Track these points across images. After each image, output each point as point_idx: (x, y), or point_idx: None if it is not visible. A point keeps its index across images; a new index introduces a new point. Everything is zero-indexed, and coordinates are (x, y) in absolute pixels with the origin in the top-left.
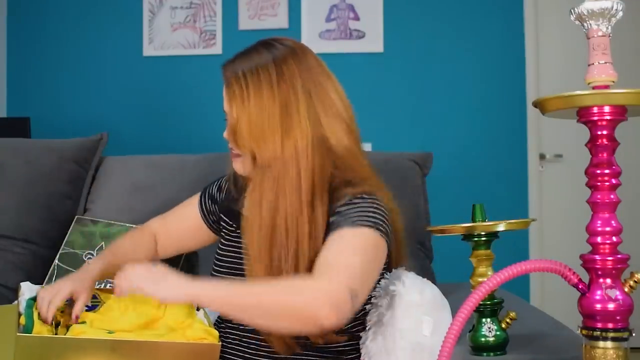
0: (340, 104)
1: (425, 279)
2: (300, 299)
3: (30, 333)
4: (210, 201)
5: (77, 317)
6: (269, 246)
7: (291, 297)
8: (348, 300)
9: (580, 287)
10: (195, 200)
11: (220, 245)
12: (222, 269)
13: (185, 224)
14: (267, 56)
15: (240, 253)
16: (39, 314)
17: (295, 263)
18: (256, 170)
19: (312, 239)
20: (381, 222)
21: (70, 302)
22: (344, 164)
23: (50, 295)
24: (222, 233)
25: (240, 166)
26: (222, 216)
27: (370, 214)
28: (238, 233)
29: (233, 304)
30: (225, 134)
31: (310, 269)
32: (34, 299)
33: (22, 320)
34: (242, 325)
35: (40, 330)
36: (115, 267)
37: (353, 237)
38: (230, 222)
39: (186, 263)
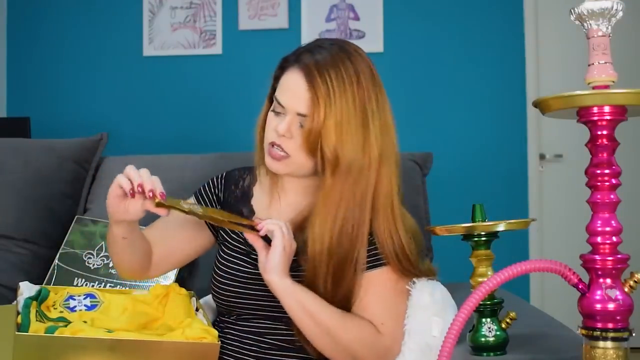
0: (392, 124)
1: (435, 281)
2: (368, 354)
3: (27, 332)
4: (206, 198)
5: (162, 195)
6: (334, 247)
7: (362, 348)
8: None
9: (580, 287)
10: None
11: (224, 247)
12: (226, 273)
13: (182, 230)
14: (344, 56)
15: (245, 256)
16: (36, 312)
17: (353, 269)
18: (334, 175)
19: (363, 248)
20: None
21: None
22: (390, 192)
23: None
24: (224, 235)
25: (283, 166)
26: None
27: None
28: (243, 238)
29: (314, 320)
30: (283, 130)
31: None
32: (33, 298)
33: (19, 319)
34: (242, 325)
35: (37, 329)
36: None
37: (397, 281)
38: None
39: (187, 266)
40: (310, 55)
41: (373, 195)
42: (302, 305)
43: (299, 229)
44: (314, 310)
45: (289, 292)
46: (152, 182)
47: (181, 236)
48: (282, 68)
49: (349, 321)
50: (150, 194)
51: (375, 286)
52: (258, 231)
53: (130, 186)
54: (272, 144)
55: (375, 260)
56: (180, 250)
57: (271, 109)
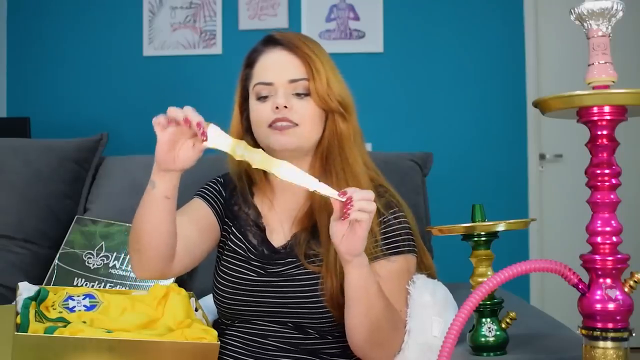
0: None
1: (436, 280)
2: (396, 334)
3: (26, 332)
4: (212, 195)
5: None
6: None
7: (393, 327)
8: None
9: (580, 287)
10: (197, 204)
11: (224, 256)
12: (229, 282)
13: (197, 227)
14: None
15: (245, 263)
16: (35, 312)
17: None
18: (346, 120)
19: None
20: (414, 242)
21: None
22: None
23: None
24: (225, 239)
25: (292, 138)
26: (227, 220)
27: (410, 235)
28: (246, 244)
29: (368, 294)
30: (284, 102)
31: None
32: (32, 298)
33: (18, 319)
34: (244, 327)
35: (36, 329)
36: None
37: (407, 271)
38: (235, 231)
39: None
40: (274, 37)
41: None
42: (367, 284)
43: (303, 228)
44: (373, 291)
45: (365, 270)
46: (199, 117)
47: (196, 228)
48: (252, 59)
49: (388, 302)
50: (199, 128)
51: (393, 269)
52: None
53: (183, 116)
54: (274, 121)
55: (395, 247)
56: (197, 245)
57: (255, 98)
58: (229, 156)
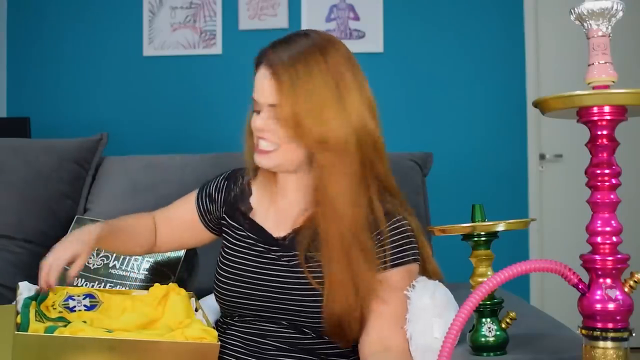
0: (370, 99)
1: (436, 282)
2: None
3: (26, 332)
4: (207, 199)
5: (72, 279)
6: (351, 227)
7: None
8: None
9: (580, 287)
10: (192, 197)
11: (225, 248)
12: (229, 273)
13: (182, 220)
14: (308, 42)
15: (248, 254)
16: (35, 311)
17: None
18: (325, 153)
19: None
20: (417, 252)
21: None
22: (379, 162)
23: (51, 260)
24: (226, 235)
25: (266, 160)
26: (225, 216)
27: (413, 245)
28: (246, 234)
29: None
30: (260, 124)
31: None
32: (32, 298)
33: (19, 319)
34: (244, 326)
35: (36, 328)
36: (111, 239)
37: (407, 280)
38: (232, 222)
39: (185, 263)
40: (272, 49)
41: (363, 169)
42: None
43: (307, 227)
44: None
45: None
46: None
47: (179, 223)
48: (255, 69)
49: None
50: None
51: (393, 283)
52: None
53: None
54: (257, 139)
55: (401, 258)
56: (184, 238)
57: (252, 108)
58: (245, 151)
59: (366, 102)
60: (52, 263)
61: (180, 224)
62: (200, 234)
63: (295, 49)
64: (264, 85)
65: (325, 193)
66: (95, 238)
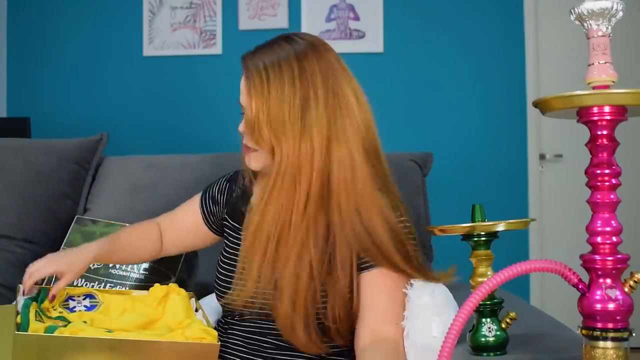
0: (356, 106)
1: None
2: None
3: (26, 332)
4: (211, 201)
5: (53, 297)
6: (275, 239)
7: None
8: None
9: (580, 287)
10: (196, 200)
11: (225, 247)
12: (227, 272)
13: (188, 223)
14: (289, 50)
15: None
16: (35, 312)
17: (296, 268)
18: (272, 167)
19: (316, 243)
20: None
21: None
22: (350, 174)
23: (33, 269)
24: (226, 234)
25: (254, 162)
26: (227, 217)
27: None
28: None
29: None
30: (240, 128)
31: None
32: (32, 298)
33: (19, 319)
34: (245, 325)
35: (36, 328)
36: (113, 255)
37: (396, 281)
38: (233, 223)
39: (185, 263)
40: (253, 53)
41: (321, 182)
42: None
43: None
44: None
45: None
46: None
47: (184, 226)
48: None
49: None
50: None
51: (381, 285)
52: None
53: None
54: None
55: (366, 262)
56: (189, 241)
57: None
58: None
59: (341, 111)
60: (33, 273)
61: (186, 227)
62: (205, 236)
63: (274, 56)
64: (242, 88)
65: (265, 199)
66: (90, 259)
